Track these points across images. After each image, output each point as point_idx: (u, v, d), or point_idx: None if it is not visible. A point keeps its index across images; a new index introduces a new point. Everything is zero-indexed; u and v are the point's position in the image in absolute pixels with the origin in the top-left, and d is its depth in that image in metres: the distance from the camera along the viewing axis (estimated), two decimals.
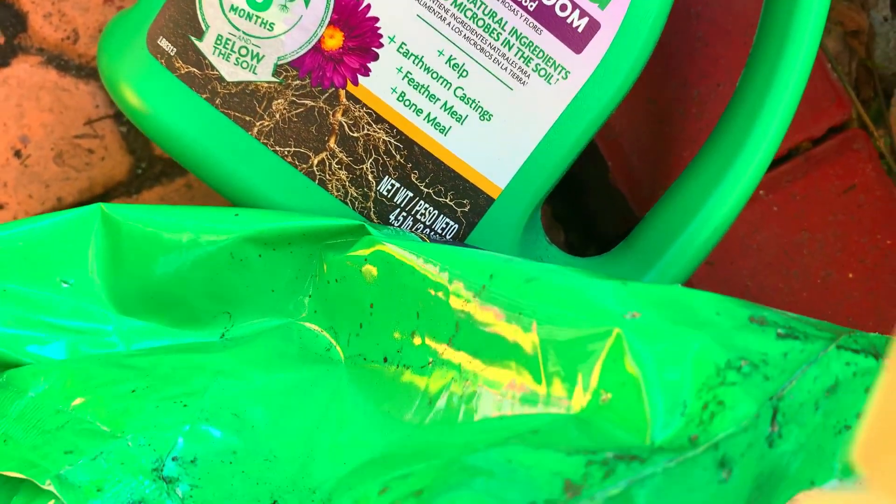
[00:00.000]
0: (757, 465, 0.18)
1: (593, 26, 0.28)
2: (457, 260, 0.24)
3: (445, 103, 0.29)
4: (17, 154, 0.39)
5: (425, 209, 0.30)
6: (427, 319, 0.24)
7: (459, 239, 0.30)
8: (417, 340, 0.24)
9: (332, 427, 0.25)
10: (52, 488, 0.21)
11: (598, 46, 0.29)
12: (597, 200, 0.42)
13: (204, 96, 0.29)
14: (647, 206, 0.39)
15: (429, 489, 0.16)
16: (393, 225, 0.30)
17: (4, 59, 0.39)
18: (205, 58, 0.29)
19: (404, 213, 0.30)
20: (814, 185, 0.40)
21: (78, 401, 0.25)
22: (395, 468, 0.20)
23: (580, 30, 0.28)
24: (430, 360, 0.24)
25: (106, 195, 0.40)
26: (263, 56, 0.28)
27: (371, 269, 0.26)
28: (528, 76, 0.29)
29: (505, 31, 0.28)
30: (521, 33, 0.28)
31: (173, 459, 0.23)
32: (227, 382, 0.25)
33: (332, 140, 0.29)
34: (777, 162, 0.40)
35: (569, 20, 0.28)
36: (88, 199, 0.40)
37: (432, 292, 0.24)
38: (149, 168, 0.41)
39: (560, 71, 0.29)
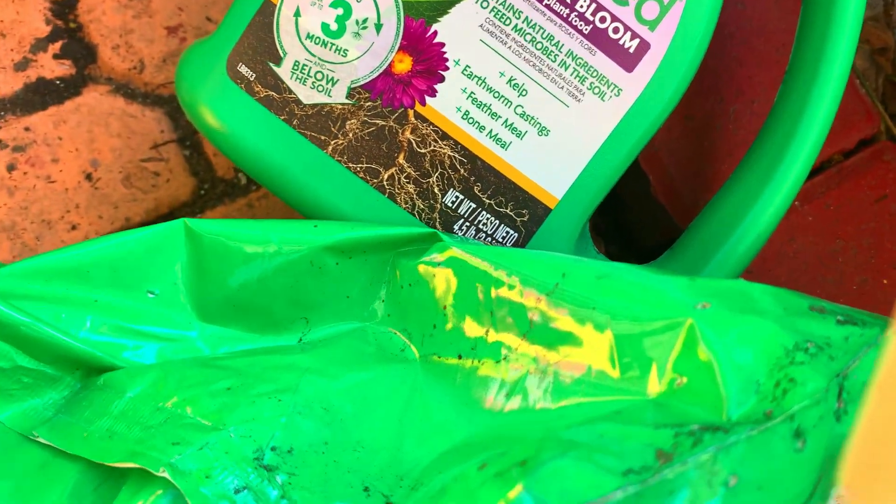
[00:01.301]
0: (827, 438, 0.19)
1: (644, 47, 0.31)
2: (528, 262, 0.26)
3: (506, 120, 0.31)
4: (88, 177, 0.42)
5: (487, 219, 0.32)
6: (501, 318, 0.26)
7: (519, 247, 0.32)
8: (492, 336, 0.26)
9: (414, 419, 0.26)
10: (166, 475, 0.23)
11: (648, 66, 0.31)
12: (637, 213, 0.43)
13: (282, 118, 0.31)
14: (687, 217, 0.41)
15: (532, 459, 0.18)
16: (457, 234, 0.32)
17: (76, 88, 0.42)
18: (283, 82, 0.31)
19: (467, 223, 0.32)
20: (846, 196, 0.42)
21: (175, 399, 0.27)
22: (486, 450, 0.22)
23: (631, 50, 0.31)
24: (506, 353, 0.26)
25: (171, 215, 0.42)
26: (338, 80, 0.31)
27: (444, 274, 0.28)
28: (584, 94, 0.31)
29: (562, 52, 0.30)
30: (576, 55, 0.30)
31: (272, 449, 0.25)
32: (314, 380, 0.27)
33: (402, 156, 0.31)
34: (811, 174, 0.42)
35: (621, 41, 0.30)
36: (155, 219, 0.43)
37: (506, 294, 0.26)
38: (211, 189, 0.43)
39: (613, 89, 0.31)
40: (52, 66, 0.42)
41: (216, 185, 0.43)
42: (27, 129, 0.41)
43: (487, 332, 0.27)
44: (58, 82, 0.42)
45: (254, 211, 0.43)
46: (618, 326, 0.23)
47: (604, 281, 0.24)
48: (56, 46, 0.42)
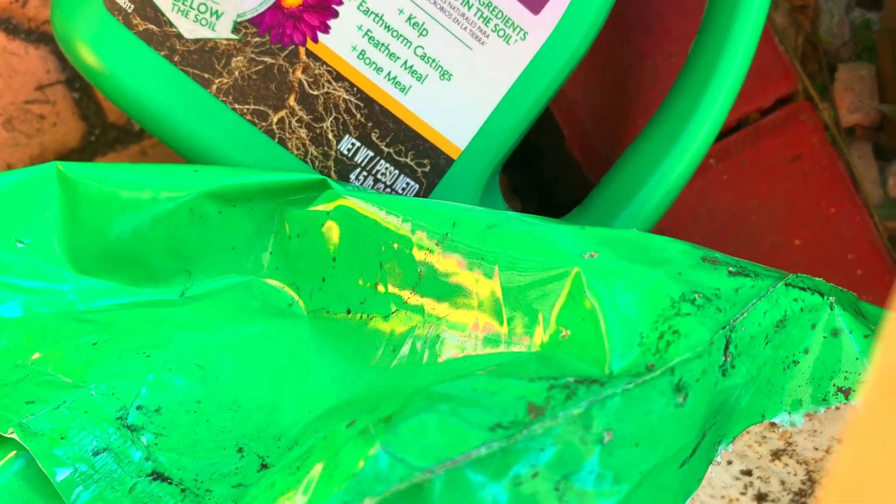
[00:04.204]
0: (711, 392, 0.19)
1: None
2: (419, 210, 0.25)
3: (406, 62, 0.29)
4: None
5: (386, 169, 0.30)
6: (390, 270, 0.25)
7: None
8: (381, 289, 0.25)
9: (296, 377, 0.25)
10: (14, 436, 0.21)
11: (555, 8, 0.29)
12: (552, 169, 0.42)
13: (162, 54, 0.29)
14: (601, 172, 0.40)
15: (397, 415, 0.17)
16: (353, 184, 0.30)
17: None
18: (163, 14, 0.28)
19: (364, 173, 0.30)
20: (762, 155, 0.41)
21: (37, 355, 0.25)
22: (362, 407, 0.20)
23: None
24: (394, 307, 0.24)
25: None
26: (223, 13, 0.28)
27: (333, 224, 0.27)
28: (488, 36, 0.29)
29: None
30: None
31: (137, 408, 0.23)
32: (189, 335, 0.25)
33: (292, 98, 0.29)
34: (727, 132, 0.41)
35: None
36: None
37: (395, 244, 0.25)
38: (102, 135, 0.40)
39: (518, 32, 0.29)
40: None
41: (107, 130, 0.40)
42: None
43: (376, 284, 0.25)
44: None
45: (147, 158, 0.40)
46: (505, 277, 0.22)
47: (494, 230, 0.23)
48: None
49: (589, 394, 0.17)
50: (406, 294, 0.24)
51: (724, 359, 0.19)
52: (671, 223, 0.41)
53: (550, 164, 0.42)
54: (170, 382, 0.24)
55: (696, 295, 0.19)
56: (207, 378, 0.24)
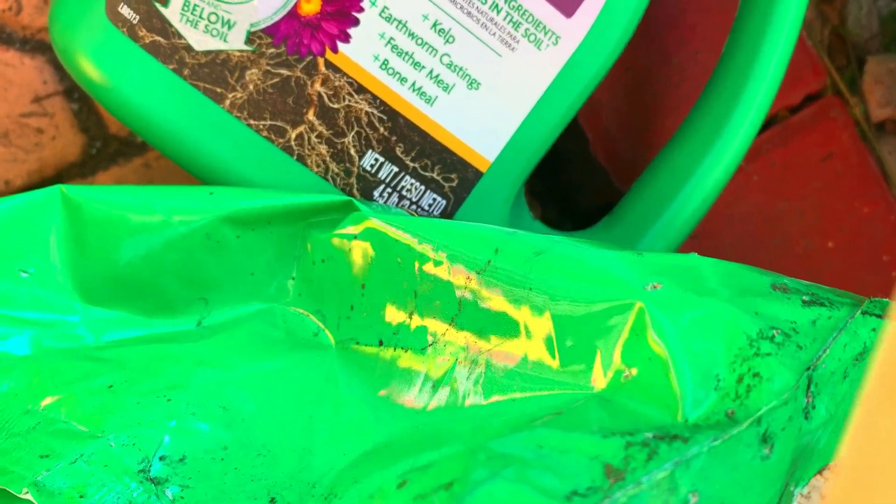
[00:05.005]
0: (796, 439, 0.17)
1: None
2: (457, 235, 0.23)
3: (431, 71, 0.27)
4: None
5: (411, 184, 0.28)
6: (426, 299, 0.23)
7: (447, 215, 0.29)
8: (416, 321, 0.23)
9: (327, 416, 0.23)
10: (29, 496, 0.20)
11: (589, 10, 0.27)
12: (575, 174, 0.41)
13: (171, 67, 0.27)
14: (628, 177, 0.38)
15: (459, 482, 0.15)
16: (377, 202, 0.28)
17: None
18: (171, 25, 0.26)
19: (389, 189, 0.28)
20: (793, 154, 0.40)
21: (48, 400, 0.23)
22: (407, 457, 0.19)
23: None
24: (431, 339, 0.23)
25: (58, 177, 0.38)
26: (235, 22, 0.26)
27: (361, 248, 0.25)
28: (518, 42, 0.27)
29: None
30: None
31: (160, 459, 0.21)
32: (211, 373, 0.24)
33: (311, 112, 0.27)
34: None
35: None
36: (38, 182, 0.38)
37: (431, 270, 0.23)
38: (103, 147, 0.38)
39: (550, 36, 0.28)
40: None
41: (108, 143, 0.38)
42: None
43: (411, 314, 0.23)
44: None
45: (151, 172, 0.38)
46: (557, 309, 0.20)
47: (542, 257, 0.21)
48: None
49: (672, 453, 0.15)
50: (444, 327, 0.22)
51: (806, 400, 0.18)
52: (701, 228, 0.39)
53: (575, 170, 0.40)
54: (194, 428, 0.22)
55: (774, 331, 0.18)
56: (233, 421, 0.22)
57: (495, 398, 0.20)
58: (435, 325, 0.23)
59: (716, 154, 0.32)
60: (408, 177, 0.28)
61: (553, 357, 0.20)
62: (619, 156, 0.38)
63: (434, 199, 0.29)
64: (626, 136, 0.39)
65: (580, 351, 0.20)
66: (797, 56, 0.40)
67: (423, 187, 0.28)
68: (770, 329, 0.18)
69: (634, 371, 0.18)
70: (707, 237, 0.39)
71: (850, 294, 0.21)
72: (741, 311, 0.18)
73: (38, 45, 0.37)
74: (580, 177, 0.40)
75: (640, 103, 0.39)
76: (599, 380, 0.19)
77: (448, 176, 0.28)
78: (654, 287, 0.19)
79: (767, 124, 0.40)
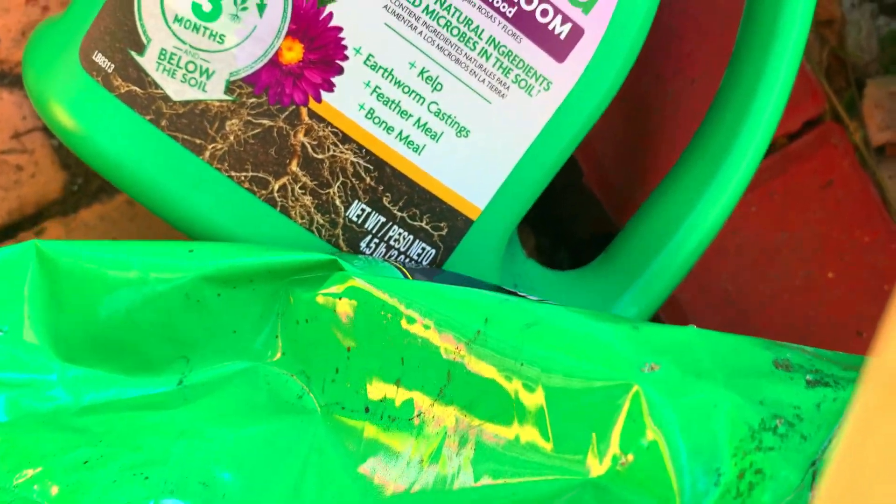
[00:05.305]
0: None
1: (576, 32, 0.26)
2: (445, 302, 0.22)
3: (419, 120, 0.26)
4: None
5: (399, 234, 0.27)
6: (413, 367, 0.22)
7: (437, 265, 0.28)
8: (403, 391, 0.22)
9: (311, 489, 0.22)
10: None
11: (581, 54, 0.26)
12: (569, 205, 0.40)
13: (148, 118, 0.26)
14: (623, 208, 0.38)
15: None
16: (364, 253, 0.27)
17: None
18: (147, 75, 0.25)
19: (376, 240, 0.27)
20: (792, 183, 0.39)
21: (27, 474, 0.22)
22: None
23: (562, 37, 0.26)
24: (418, 411, 0.22)
25: (39, 215, 0.37)
26: (214, 71, 0.25)
27: (346, 310, 0.24)
28: (508, 88, 0.26)
29: (482, 39, 0.26)
30: (499, 42, 0.26)
31: None
32: (191, 445, 0.23)
33: (294, 163, 0.26)
34: None
35: (550, 26, 0.26)
36: (19, 221, 0.37)
37: (419, 337, 0.22)
38: (85, 184, 0.37)
39: (542, 82, 0.27)
40: None
41: (90, 179, 0.37)
42: None
43: (398, 382, 0.23)
44: None
45: (135, 209, 0.37)
46: (550, 386, 0.19)
47: (534, 329, 0.20)
48: None
49: None
50: (431, 398, 0.22)
51: (811, 494, 0.17)
52: (698, 261, 0.38)
53: (569, 201, 0.39)
54: None
55: (777, 421, 0.17)
56: (213, 498, 0.22)
57: (485, 481, 0.20)
58: (422, 398, 0.22)
59: (715, 191, 0.31)
60: (396, 227, 0.27)
61: (546, 440, 0.19)
62: (614, 187, 0.38)
63: (423, 249, 0.28)
64: (621, 167, 0.38)
65: (575, 433, 0.19)
66: (796, 80, 0.39)
67: (411, 237, 0.27)
68: (773, 419, 0.17)
69: (631, 457, 0.18)
70: (703, 270, 0.38)
71: (853, 361, 0.20)
72: (742, 397, 0.17)
73: (16, 80, 0.36)
74: (574, 207, 0.39)
75: (635, 134, 0.38)
76: (595, 466, 0.18)
77: (437, 225, 0.28)
78: (652, 368, 0.18)
79: (766, 152, 0.39)
